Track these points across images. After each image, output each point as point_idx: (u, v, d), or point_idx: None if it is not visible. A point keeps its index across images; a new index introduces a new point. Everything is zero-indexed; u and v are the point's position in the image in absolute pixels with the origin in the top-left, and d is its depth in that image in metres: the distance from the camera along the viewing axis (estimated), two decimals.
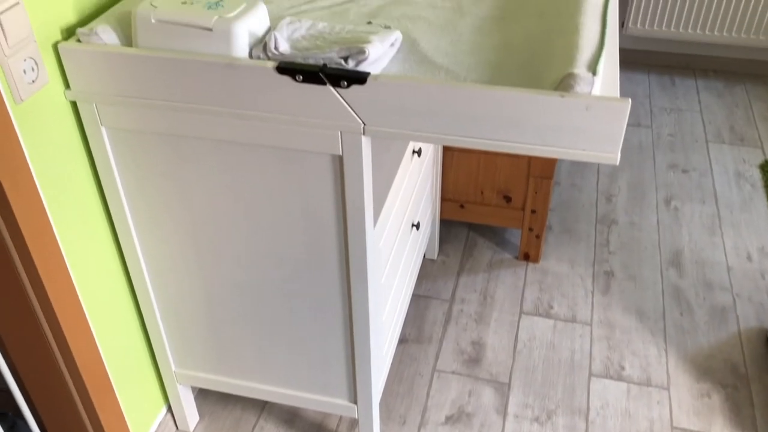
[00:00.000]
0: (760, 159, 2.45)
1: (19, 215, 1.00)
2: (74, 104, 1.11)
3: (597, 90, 0.91)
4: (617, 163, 0.96)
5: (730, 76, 2.91)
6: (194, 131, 1.09)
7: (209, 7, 1.02)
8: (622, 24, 2.90)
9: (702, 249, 2.09)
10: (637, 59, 3.01)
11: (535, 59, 1.04)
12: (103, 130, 1.12)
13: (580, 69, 0.92)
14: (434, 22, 1.18)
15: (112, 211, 1.23)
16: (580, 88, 0.90)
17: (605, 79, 0.96)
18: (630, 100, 0.90)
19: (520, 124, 0.94)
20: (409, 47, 1.10)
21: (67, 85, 1.08)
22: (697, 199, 2.28)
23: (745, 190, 2.31)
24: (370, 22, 1.18)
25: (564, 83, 0.92)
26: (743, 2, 2.67)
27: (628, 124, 2.64)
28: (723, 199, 2.28)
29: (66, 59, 1.04)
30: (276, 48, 1.00)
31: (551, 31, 1.09)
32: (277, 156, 1.09)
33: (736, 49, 2.87)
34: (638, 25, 2.82)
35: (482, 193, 1.95)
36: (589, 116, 0.90)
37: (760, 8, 2.67)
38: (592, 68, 0.92)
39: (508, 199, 1.95)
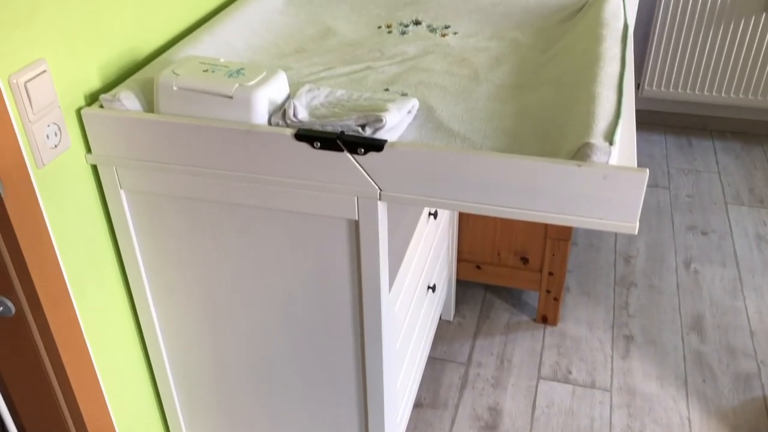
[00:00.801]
0: None
1: (37, 279, 1.00)
2: (94, 167, 1.12)
3: (614, 159, 0.91)
4: (635, 233, 0.95)
5: (747, 138, 2.91)
6: (212, 195, 1.09)
7: (230, 75, 1.04)
8: (638, 86, 2.92)
9: (724, 313, 2.05)
10: (653, 120, 3.02)
11: (552, 128, 1.04)
12: (122, 193, 1.14)
13: (597, 139, 0.92)
14: (450, 89, 1.19)
15: (128, 274, 1.23)
16: (597, 157, 0.90)
17: (622, 149, 0.96)
18: (647, 170, 0.89)
19: (536, 193, 0.93)
20: (426, 114, 1.11)
21: (88, 149, 1.10)
22: (717, 261, 2.25)
23: (766, 253, 2.28)
24: (387, 89, 1.20)
25: (581, 152, 0.91)
26: (759, 65, 2.68)
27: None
28: (744, 262, 2.25)
29: (89, 124, 1.06)
30: (295, 115, 1.02)
31: (568, 100, 1.10)
32: (293, 220, 1.09)
33: (752, 110, 2.88)
34: (654, 87, 2.84)
35: (499, 254, 1.94)
36: (607, 186, 0.90)
37: None
38: (609, 138, 0.92)
39: (525, 260, 1.94)
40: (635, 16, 1.47)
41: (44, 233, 1.01)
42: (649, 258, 2.28)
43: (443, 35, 1.40)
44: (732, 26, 2.62)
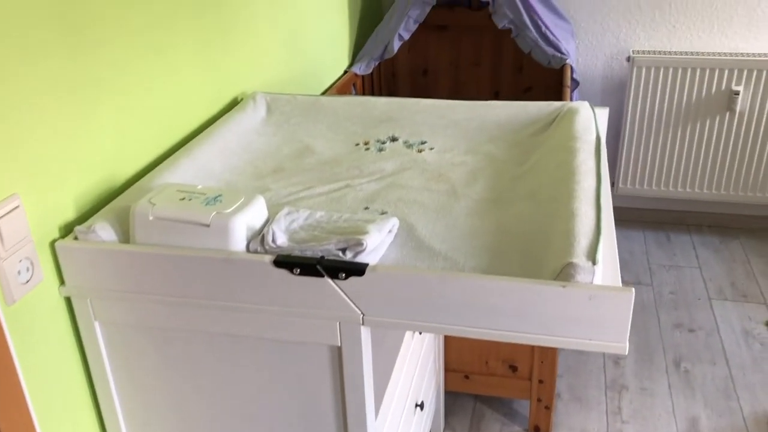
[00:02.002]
0: (765, 316, 2.41)
1: (2, 423, 0.95)
2: (68, 299, 1.09)
3: (599, 279, 0.90)
4: (626, 353, 0.93)
5: (724, 231, 2.95)
6: (190, 325, 1.06)
7: (207, 203, 1.04)
8: (612, 183, 2.97)
9: (720, 415, 2.00)
10: (631, 216, 3.06)
11: (533, 245, 1.04)
12: (97, 324, 1.10)
13: (580, 258, 0.91)
14: (430, 205, 1.19)
15: (102, 410, 1.17)
16: (581, 277, 0.89)
17: (605, 266, 0.95)
18: (633, 289, 0.88)
19: (522, 314, 0.92)
20: (407, 232, 1.10)
21: (62, 281, 1.07)
22: (707, 360, 2.22)
23: (755, 349, 2.26)
24: (367, 208, 1.20)
25: (564, 272, 0.90)
26: (728, 161, 2.75)
27: (627, 283, 2.63)
28: (734, 359, 2.22)
29: (63, 257, 1.04)
30: (273, 241, 1.00)
31: (546, 216, 1.10)
32: (273, 348, 1.06)
33: (727, 204, 2.93)
34: (628, 185, 2.89)
35: (487, 363, 1.90)
36: (593, 306, 0.88)
37: (744, 167, 2.75)
38: (592, 257, 0.91)
39: (514, 368, 1.89)
40: (606, 124, 1.51)
41: (11, 373, 0.96)
42: (638, 359, 2.24)
43: (420, 151, 1.42)
44: (699, 125, 2.71)
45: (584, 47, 2.81)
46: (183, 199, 1.05)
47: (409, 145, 1.44)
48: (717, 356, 2.23)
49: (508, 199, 1.21)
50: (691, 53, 2.66)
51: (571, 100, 2.47)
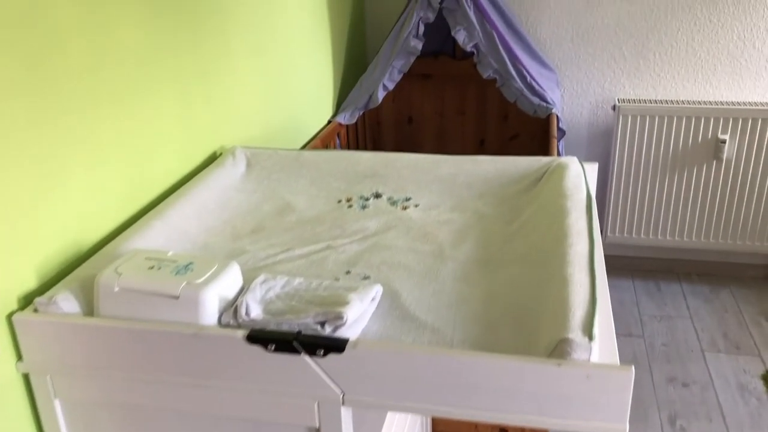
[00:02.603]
0: (760, 369, 2.35)
1: None
2: (26, 375, 1.01)
3: (595, 356, 0.84)
4: None
5: (714, 280, 2.90)
6: (158, 402, 0.99)
7: (177, 272, 0.97)
8: (601, 231, 2.93)
9: None
10: (620, 265, 3.01)
11: (525, 315, 0.98)
12: (57, 402, 1.02)
13: (575, 333, 0.85)
14: (415, 269, 1.13)
15: None
16: (578, 354, 0.83)
17: (602, 340, 0.89)
18: (633, 367, 0.82)
19: (514, 394, 0.85)
20: (391, 300, 1.04)
21: (19, 356, 0.99)
22: (703, 416, 2.15)
23: (752, 405, 2.19)
24: (348, 272, 1.14)
25: (559, 349, 0.84)
26: (716, 210, 2.73)
27: (618, 335, 2.57)
28: (730, 415, 2.15)
29: (21, 331, 0.97)
30: (247, 313, 0.94)
31: (538, 282, 1.04)
32: (247, 428, 0.98)
33: (716, 253, 2.89)
34: (616, 233, 2.86)
35: (476, 427, 1.82)
36: (591, 385, 0.82)
37: (732, 215, 2.73)
38: (588, 331, 0.85)
39: (503, 431, 1.81)
40: (596, 179, 1.47)
41: None
42: (632, 417, 2.16)
43: (404, 208, 1.37)
44: (686, 173, 2.69)
45: (570, 96, 2.80)
46: (152, 267, 0.99)
47: (393, 202, 1.39)
48: (713, 412, 2.16)
49: (498, 262, 1.15)
50: (677, 102, 2.65)
51: (558, 149, 2.44)
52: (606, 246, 2.99)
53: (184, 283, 0.94)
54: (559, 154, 2.47)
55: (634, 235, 2.85)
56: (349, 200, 1.41)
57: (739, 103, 2.61)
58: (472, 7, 2.35)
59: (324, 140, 2.26)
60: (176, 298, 0.94)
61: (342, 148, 2.48)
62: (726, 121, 2.60)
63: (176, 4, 1.37)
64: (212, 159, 1.57)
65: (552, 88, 2.59)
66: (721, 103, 2.63)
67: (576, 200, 1.25)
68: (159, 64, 1.32)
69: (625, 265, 3.01)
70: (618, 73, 2.73)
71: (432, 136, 2.95)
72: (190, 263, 0.99)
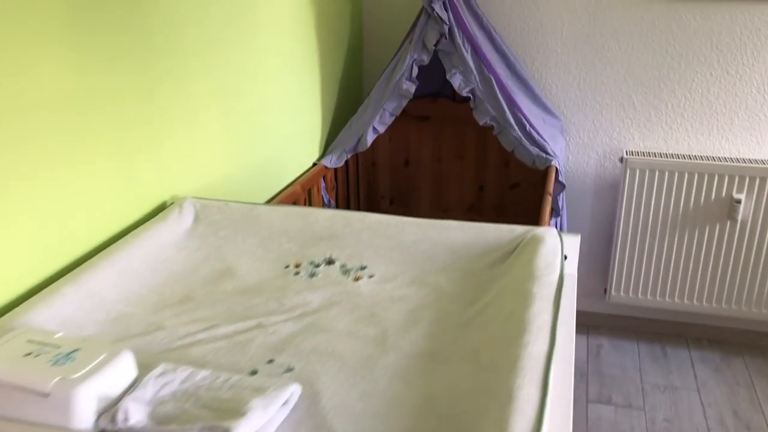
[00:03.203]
0: None
1: None
2: None
3: None
4: None
5: (727, 347, 2.70)
6: None
7: (56, 362, 0.83)
8: (605, 290, 2.75)
9: None
10: (624, 326, 2.82)
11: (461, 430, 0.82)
12: None
13: None
14: (349, 360, 0.98)
15: None
16: None
17: None
18: None
19: None
20: (309, 403, 0.89)
21: None
22: None
23: None
24: (271, 361, 0.99)
25: None
26: (729, 273, 2.54)
27: (617, 405, 2.38)
28: None
29: None
30: (126, 419, 0.79)
31: (484, 389, 0.88)
32: None
33: (729, 319, 2.69)
34: (621, 293, 2.67)
35: None
36: None
37: (747, 280, 2.53)
38: None
39: None
40: (578, 251, 1.31)
41: None
42: None
43: (357, 279, 1.22)
44: (698, 233, 2.51)
45: (576, 145, 2.65)
46: (29, 354, 0.85)
47: (346, 271, 1.24)
48: None
49: (446, 357, 1.00)
50: (689, 156, 2.48)
51: (557, 203, 2.29)
52: (610, 306, 2.80)
53: (57, 378, 0.80)
54: (555, 212, 2.31)
55: (640, 295, 2.66)
56: (297, 266, 1.27)
57: (756, 161, 2.43)
58: (469, 50, 2.22)
59: (305, 185, 2.13)
60: (46, 396, 0.80)
61: (328, 192, 2.34)
62: (742, 179, 2.42)
63: (116, 40, 1.25)
64: (161, 210, 1.44)
65: (555, 137, 2.44)
66: (738, 159, 2.45)
67: (545, 284, 1.09)
68: (91, 110, 1.20)
69: (629, 327, 2.82)
70: (627, 124, 2.57)
71: (429, 181, 2.81)
72: (75, 350, 0.86)
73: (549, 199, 1.98)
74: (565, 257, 1.28)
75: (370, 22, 2.68)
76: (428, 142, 2.76)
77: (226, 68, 1.66)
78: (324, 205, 2.34)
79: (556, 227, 2.32)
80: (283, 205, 1.43)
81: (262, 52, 1.85)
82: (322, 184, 2.31)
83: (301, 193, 2.09)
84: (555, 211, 2.32)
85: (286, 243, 1.34)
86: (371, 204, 2.87)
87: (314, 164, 2.29)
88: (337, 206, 2.48)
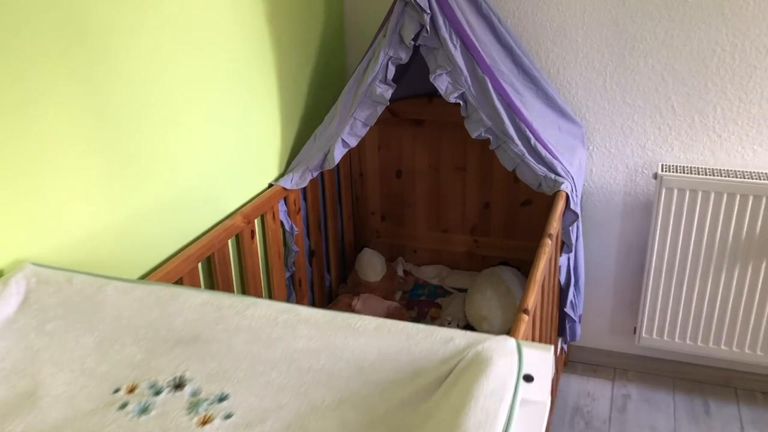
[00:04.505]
0: None
1: None
2: None
3: None
4: None
5: None
6: None
7: None
8: (633, 330, 2.29)
9: None
10: (658, 370, 2.36)
11: None
12: None
13: None
14: None
15: None
16: None
17: None
18: None
19: None
20: None
21: None
22: None
23: None
24: None
25: None
26: None
27: None
28: None
29: None
30: None
31: None
32: None
33: None
34: (654, 335, 2.20)
35: None
36: None
37: None
38: None
39: None
40: (552, 367, 0.89)
41: None
42: None
43: (206, 421, 0.82)
44: (751, 268, 2.02)
45: (600, 156, 2.17)
46: None
47: (194, 404, 0.85)
48: None
49: None
50: (742, 174, 1.98)
51: (568, 236, 1.83)
52: (639, 348, 2.34)
53: None
54: (566, 247, 1.86)
55: (677, 339, 2.19)
56: (131, 390, 0.87)
57: None
58: (458, 45, 1.77)
59: (251, 214, 1.73)
60: None
61: (290, 218, 1.94)
62: None
63: None
64: None
65: (573, 148, 1.98)
66: None
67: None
68: None
69: (664, 371, 2.35)
70: (664, 131, 2.08)
71: (425, 195, 2.38)
72: None
73: (548, 245, 1.53)
74: (531, 379, 0.86)
75: (353, 7, 2.24)
76: (424, 149, 2.33)
77: (107, 72, 1.27)
78: (285, 234, 1.94)
79: (568, 266, 1.87)
80: (145, 283, 1.03)
81: (180, 45, 1.45)
82: (282, 209, 1.91)
83: (242, 226, 1.70)
84: (567, 247, 1.87)
85: (130, 346, 0.94)
86: (359, 221, 2.46)
87: (270, 185, 1.89)
88: (308, 232, 2.08)
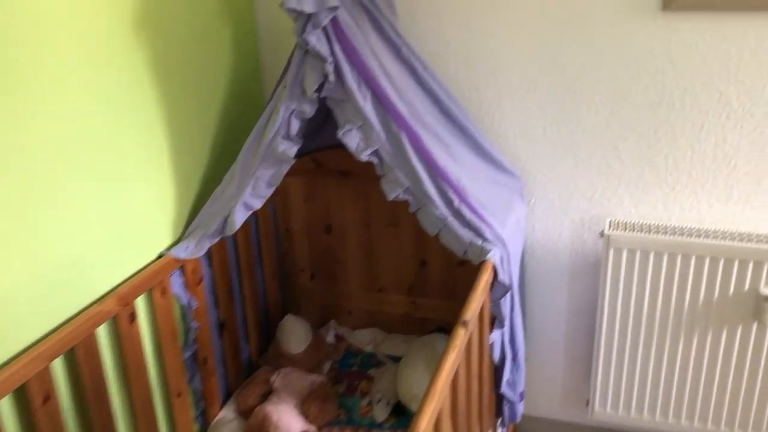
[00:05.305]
0: None
1: None
2: None
3: None
4: None
5: None
6: None
7: None
8: (586, 402, 2.07)
9: None
10: None
11: None
12: None
13: None
14: None
15: None
16: None
17: None
18: None
19: None
20: None
21: None
22: None
23: None
24: None
25: None
26: (757, 393, 1.82)
27: None
28: None
29: None
30: None
31: None
32: None
33: None
34: (607, 409, 1.98)
35: None
36: None
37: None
38: None
39: None
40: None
41: None
42: None
43: None
44: (710, 337, 1.80)
45: (543, 209, 1.96)
46: None
47: None
48: None
49: None
50: (697, 232, 1.77)
51: (499, 310, 1.61)
52: (595, 421, 2.11)
53: None
54: (498, 323, 1.64)
55: (633, 412, 1.96)
56: None
57: None
58: (369, 96, 1.56)
59: (128, 295, 1.51)
60: None
61: (189, 290, 1.71)
62: None
63: None
64: None
65: (508, 205, 1.77)
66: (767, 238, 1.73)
67: None
68: None
69: None
70: (613, 183, 1.87)
71: (358, 252, 2.16)
72: None
73: (457, 340, 1.30)
74: None
75: (271, 45, 2.03)
76: (353, 203, 2.11)
77: None
78: (183, 311, 1.72)
79: (502, 341, 1.65)
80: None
81: (40, 96, 1.23)
82: (177, 281, 1.68)
83: (116, 310, 1.47)
84: (498, 322, 1.65)
85: None
86: (287, 280, 2.24)
87: (160, 255, 1.66)
88: (215, 302, 1.85)
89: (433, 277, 2.10)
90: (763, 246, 1.69)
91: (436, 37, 1.85)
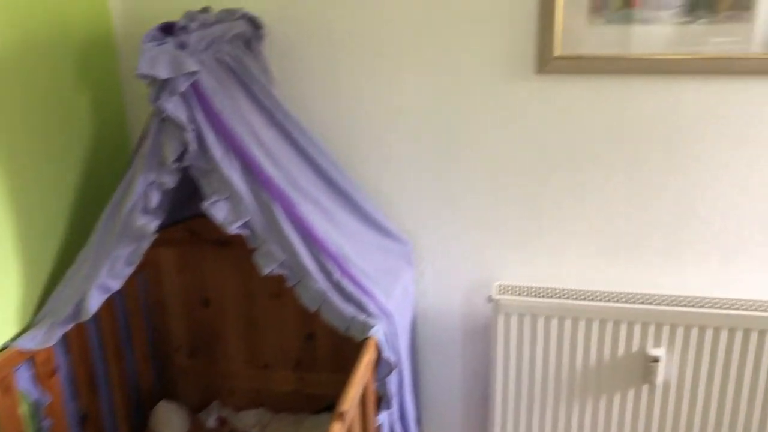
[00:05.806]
0: None
1: None
2: None
3: None
4: None
5: None
6: None
7: None
8: None
9: None
10: None
11: None
12: None
13: None
14: None
15: None
16: None
17: None
18: None
19: None
20: None
21: None
22: None
23: None
24: None
25: None
26: None
27: None
28: None
29: None
30: None
31: None
32: None
33: None
34: None
35: None
36: None
37: None
38: None
39: None
40: None
41: None
42: None
43: None
44: (603, 401, 1.76)
45: (433, 273, 1.89)
46: None
47: None
48: None
49: None
50: (586, 294, 1.74)
51: (384, 389, 1.51)
52: None
53: None
54: (384, 404, 1.53)
55: None
56: None
57: (682, 300, 1.70)
58: (236, 164, 1.44)
59: None
60: None
61: (40, 383, 1.51)
62: (659, 328, 1.68)
63: None
64: None
65: (395, 272, 1.68)
66: (657, 298, 1.72)
67: None
68: None
69: None
70: (498, 245, 1.82)
71: (239, 326, 2.01)
72: None
73: (339, 424, 1.18)
74: None
75: (137, 98, 1.89)
76: (233, 274, 1.97)
77: None
78: (30, 407, 1.51)
79: (390, 422, 1.54)
80: None
81: None
82: (24, 375, 1.48)
83: None
84: (385, 403, 1.54)
85: None
86: (162, 360, 2.05)
87: (4, 347, 1.46)
88: (74, 395, 1.65)
89: (322, 350, 1.97)
90: (648, 307, 1.67)
91: (316, 101, 1.77)
